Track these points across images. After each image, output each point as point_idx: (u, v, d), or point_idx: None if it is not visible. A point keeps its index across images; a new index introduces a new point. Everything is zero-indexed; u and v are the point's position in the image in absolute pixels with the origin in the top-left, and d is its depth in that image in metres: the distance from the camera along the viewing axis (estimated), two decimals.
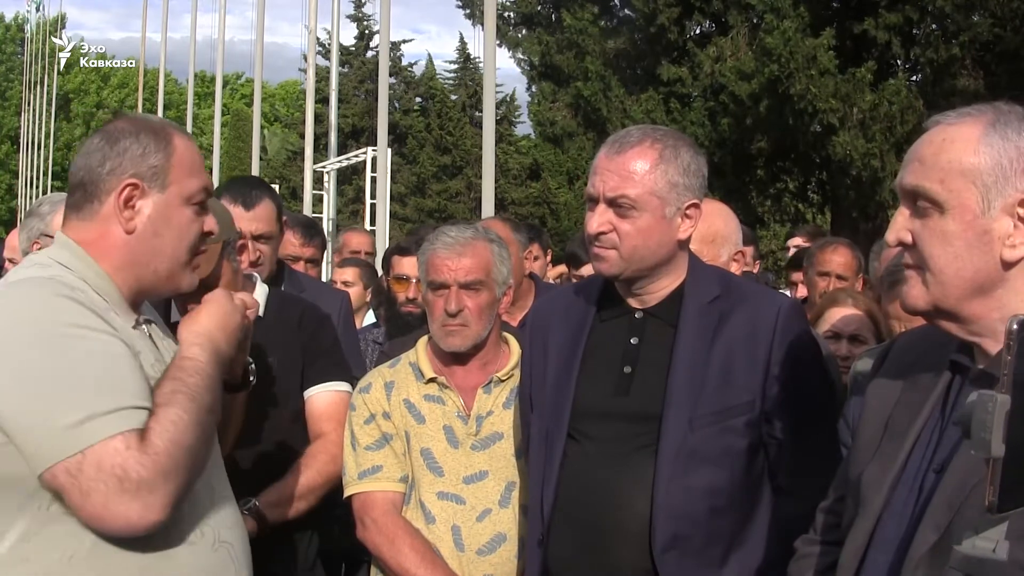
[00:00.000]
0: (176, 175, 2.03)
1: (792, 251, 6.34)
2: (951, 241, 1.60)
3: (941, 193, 1.60)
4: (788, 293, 5.62)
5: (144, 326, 2.06)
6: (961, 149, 1.60)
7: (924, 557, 1.57)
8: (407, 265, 4.32)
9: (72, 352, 1.80)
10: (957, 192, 1.59)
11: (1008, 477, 1.17)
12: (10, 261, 4.40)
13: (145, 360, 1.94)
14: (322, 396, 3.01)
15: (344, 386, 3.04)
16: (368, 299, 5.43)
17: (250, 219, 3.49)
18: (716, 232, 3.04)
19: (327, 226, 19.10)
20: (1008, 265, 1.59)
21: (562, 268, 6.59)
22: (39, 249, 3.44)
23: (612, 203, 2.34)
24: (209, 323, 2.05)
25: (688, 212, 2.37)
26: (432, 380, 2.82)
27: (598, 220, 2.35)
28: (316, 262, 4.99)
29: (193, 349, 1.98)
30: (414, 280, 4.18)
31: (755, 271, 5.74)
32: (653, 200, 2.33)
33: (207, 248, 2.12)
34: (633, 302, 2.44)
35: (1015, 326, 1.19)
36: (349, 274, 5.44)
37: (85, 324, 1.83)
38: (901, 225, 1.66)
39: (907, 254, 1.67)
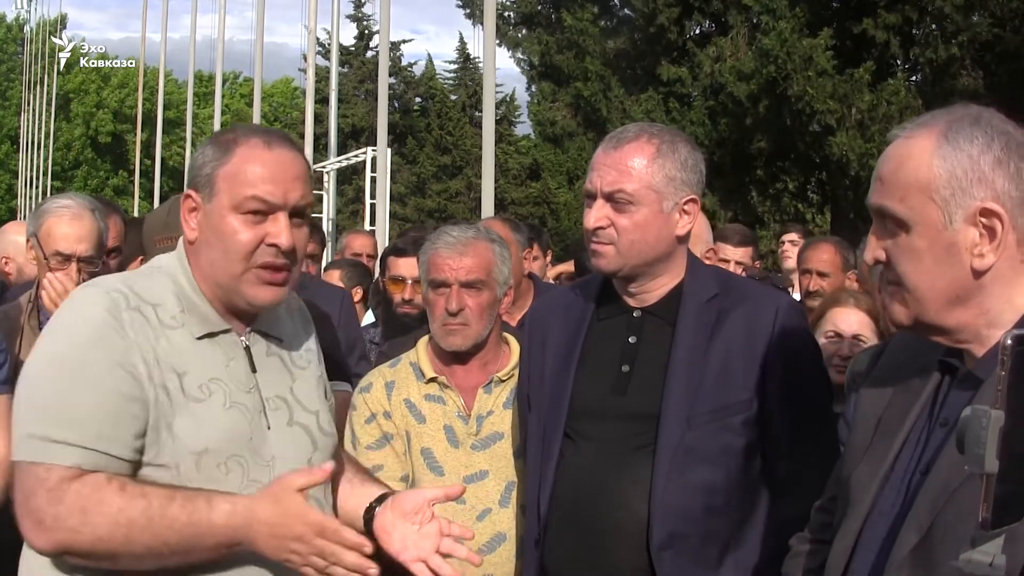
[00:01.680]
0: (224, 184, 1.99)
1: (786, 246, 6.36)
2: (921, 257, 1.59)
3: (903, 211, 1.60)
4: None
5: (228, 336, 2.03)
6: (916, 165, 1.59)
7: (906, 558, 1.57)
8: (403, 266, 4.32)
9: (71, 375, 1.88)
10: (919, 209, 1.58)
11: (1002, 492, 1.17)
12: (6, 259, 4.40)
13: (190, 381, 1.94)
14: None
15: (343, 386, 3.05)
16: (355, 299, 5.43)
17: None
18: None
19: (327, 226, 19.10)
20: (979, 274, 1.58)
21: (562, 267, 6.59)
22: (30, 249, 3.44)
23: (609, 198, 2.34)
24: (272, 521, 1.85)
25: (686, 207, 2.38)
26: (433, 380, 2.83)
27: (595, 215, 2.35)
28: (315, 258, 5.00)
29: (224, 505, 1.85)
30: (410, 281, 4.18)
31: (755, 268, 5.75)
32: (650, 194, 2.33)
33: (277, 261, 2.00)
34: (631, 301, 2.44)
35: (1009, 341, 1.18)
36: (333, 277, 5.45)
37: (101, 354, 1.88)
38: (874, 245, 1.66)
39: (885, 271, 1.67)
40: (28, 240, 3.46)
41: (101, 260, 3.43)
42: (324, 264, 6.47)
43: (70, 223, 3.34)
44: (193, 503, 1.85)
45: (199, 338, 1.99)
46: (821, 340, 3.52)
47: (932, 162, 1.58)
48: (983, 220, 1.56)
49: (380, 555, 2.80)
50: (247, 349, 2.05)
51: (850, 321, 3.46)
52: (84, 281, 3.33)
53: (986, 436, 1.17)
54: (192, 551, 1.86)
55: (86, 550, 1.85)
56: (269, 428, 2.02)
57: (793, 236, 6.42)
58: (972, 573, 1.21)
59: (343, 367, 3.14)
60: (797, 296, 5.58)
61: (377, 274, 5.68)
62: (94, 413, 1.86)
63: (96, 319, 1.90)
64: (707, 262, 3.07)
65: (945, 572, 1.48)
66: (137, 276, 2.05)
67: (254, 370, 2.04)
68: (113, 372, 1.87)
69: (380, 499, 2.15)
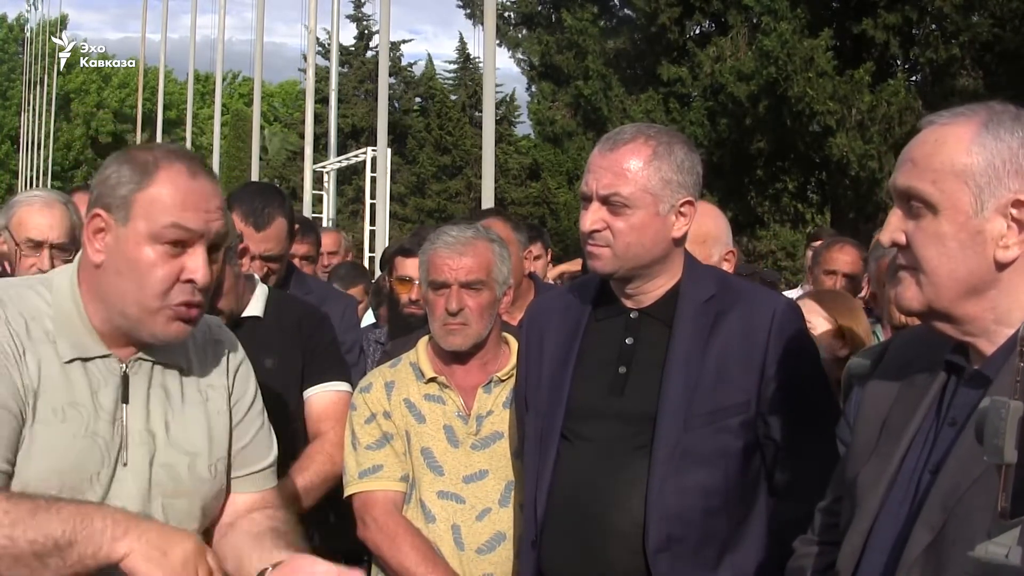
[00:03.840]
0: (142, 208, 1.84)
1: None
2: (944, 242, 1.60)
3: (934, 194, 1.60)
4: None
5: (105, 361, 1.90)
6: (954, 150, 1.60)
7: (918, 558, 1.57)
8: (410, 266, 4.31)
9: None
10: (950, 193, 1.59)
11: (1021, 483, 1.18)
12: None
13: (45, 401, 1.83)
14: (321, 396, 3.02)
15: (343, 386, 3.05)
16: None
17: (261, 240, 3.44)
18: (706, 232, 3.04)
19: (327, 226, 19.10)
20: (1001, 266, 1.59)
21: (565, 267, 6.61)
22: (2, 244, 3.44)
23: (605, 201, 2.33)
24: (157, 531, 1.76)
25: (683, 209, 2.37)
26: (432, 380, 2.83)
27: (591, 218, 2.35)
28: (311, 259, 5.00)
29: (108, 508, 1.77)
30: (417, 281, 4.18)
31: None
32: (646, 197, 2.32)
33: (193, 299, 1.87)
34: (628, 302, 2.44)
35: None
36: (354, 293, 5.48)
37: None
38: (895, 226, 1.66)
39: (901, 255, 1.67)
40: None
41: (75, 249, 3.37)
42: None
43: (41, 211, 3.35)
44: (76, 503, 1.76)
45: (67, 362, 1.88)
46: None
47: (971, 148, 1.58)
48: (1013, 212, 1.57)
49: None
50: (124, 377, 1.92)
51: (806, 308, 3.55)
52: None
53: (1005, 427, 1.18)
54: (71, 554, 1.71)
55: None
56: (126, 465, 1.90)
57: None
58: (989, 563, 1.21)
59: (342, 367, 3.15)
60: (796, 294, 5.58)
61: (379, 274, 5.69)
62: None
63: None
64: (725, 265, 3.07)
65: (957, 571, 1.49)
66: (16, 284, 1.96)
67: (125, 400, 1.92)
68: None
69: (277, 564, 1.93)
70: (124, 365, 1.93)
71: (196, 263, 1.87)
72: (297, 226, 3.83)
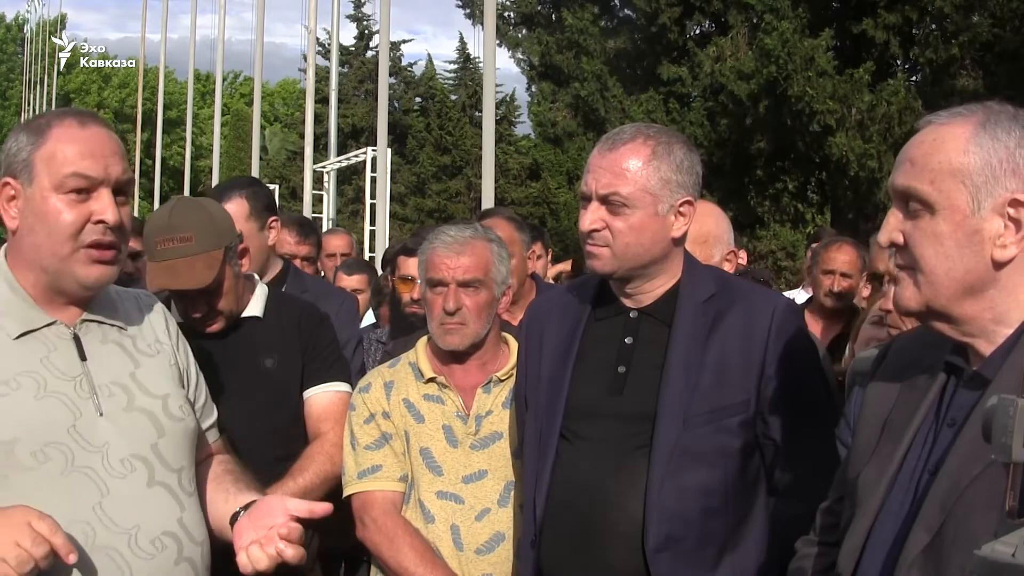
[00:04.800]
0: (43, 165, 1.97)
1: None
2: (942, 241, 1.60)
3: (931, 194, 1.60)
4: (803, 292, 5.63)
5: (52, 328, 2.03)
6: (951, 149, 1.60)
7: (917, 558, 1.57)
8: (413, 266, 4.31)
9: None
10: (947, 193, 1.59)
11: None
12: None
13: None
14: (321, 396, 3.02)
15: (343, 386, 3.05)
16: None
17: None
18: (708, 232, 3.04)
19: (327, 226, 19.11)
20: (999, 265, 1.59)
21: (560, 267, 6.61)
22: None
23: (604, 200, 2.33)
24: None
25: (682, 209, 2.37)
26: (431, 380, 2.83)
27: (590, 218, 2.35)
28: (312, 260, 5.00)
29: None
30: (419, 281, 4.18)
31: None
32: (646, 197, 2.32)
33: (104, 239, 1.99)
34: (628, 301, 2.44)
35: None
36: (356, 281, 5.47)
37: None
38: (893, 226, 1.66)
39: (899, 255, 1.67)
40: None
41: None
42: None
43: None
44: None
45: (16, 338, 2.00)
46: (866, 326, 3.52)
47: (968, 148, 1.59)
48: (1010, 211, 1.58)
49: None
50: (76, 338, 2.05)
51: None
52: None
53: (1013, 425, 1.17)
54: None
55: None
56: (101, 414, 2.02)
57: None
58: (996, 562, 1.21)
59: (342, 367, 3.14)
60: (803, 296, 5.58)
61: (379, 273, 5.69)
62: None
63: None
64: (727, 265, 3.07)
65: (955, 571, 1.50)
66: None
67: (83, 358, 2.04)
68: None
69: (248, 505, 2.13)
70: (72, 328, 2.06)
71: (102, 204, 1.99)
72: (274, 219, 3.79)
